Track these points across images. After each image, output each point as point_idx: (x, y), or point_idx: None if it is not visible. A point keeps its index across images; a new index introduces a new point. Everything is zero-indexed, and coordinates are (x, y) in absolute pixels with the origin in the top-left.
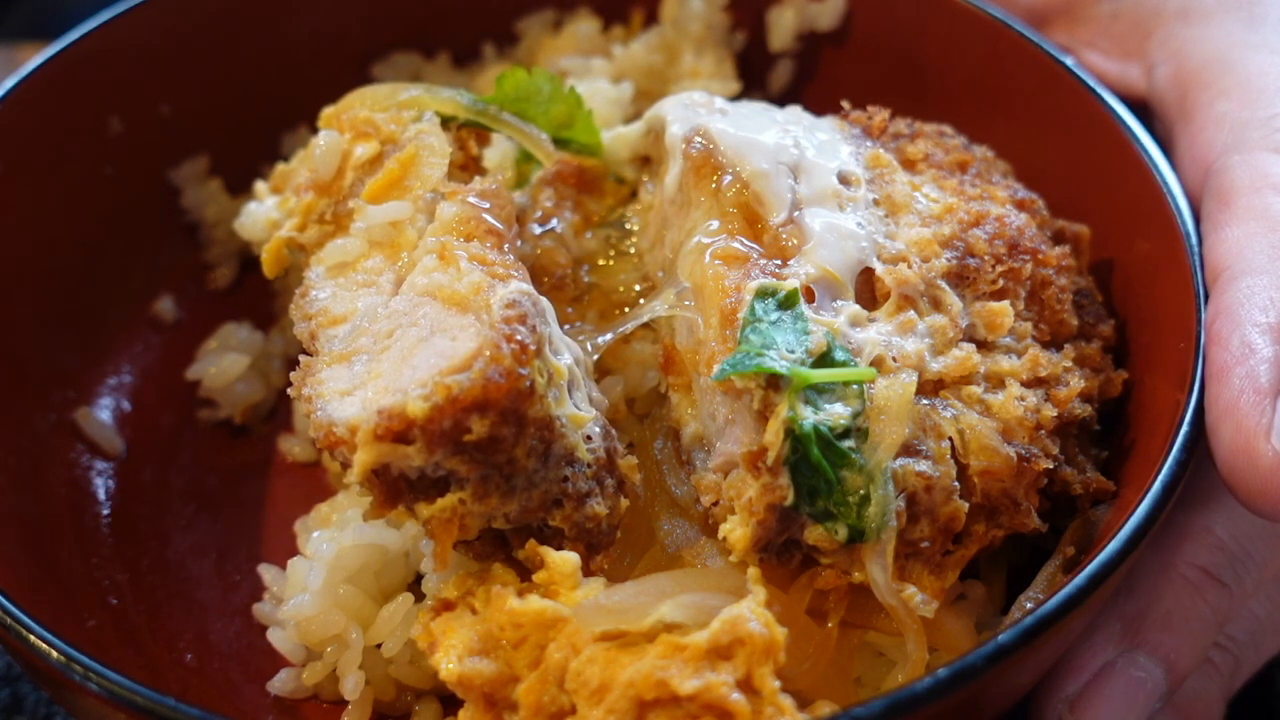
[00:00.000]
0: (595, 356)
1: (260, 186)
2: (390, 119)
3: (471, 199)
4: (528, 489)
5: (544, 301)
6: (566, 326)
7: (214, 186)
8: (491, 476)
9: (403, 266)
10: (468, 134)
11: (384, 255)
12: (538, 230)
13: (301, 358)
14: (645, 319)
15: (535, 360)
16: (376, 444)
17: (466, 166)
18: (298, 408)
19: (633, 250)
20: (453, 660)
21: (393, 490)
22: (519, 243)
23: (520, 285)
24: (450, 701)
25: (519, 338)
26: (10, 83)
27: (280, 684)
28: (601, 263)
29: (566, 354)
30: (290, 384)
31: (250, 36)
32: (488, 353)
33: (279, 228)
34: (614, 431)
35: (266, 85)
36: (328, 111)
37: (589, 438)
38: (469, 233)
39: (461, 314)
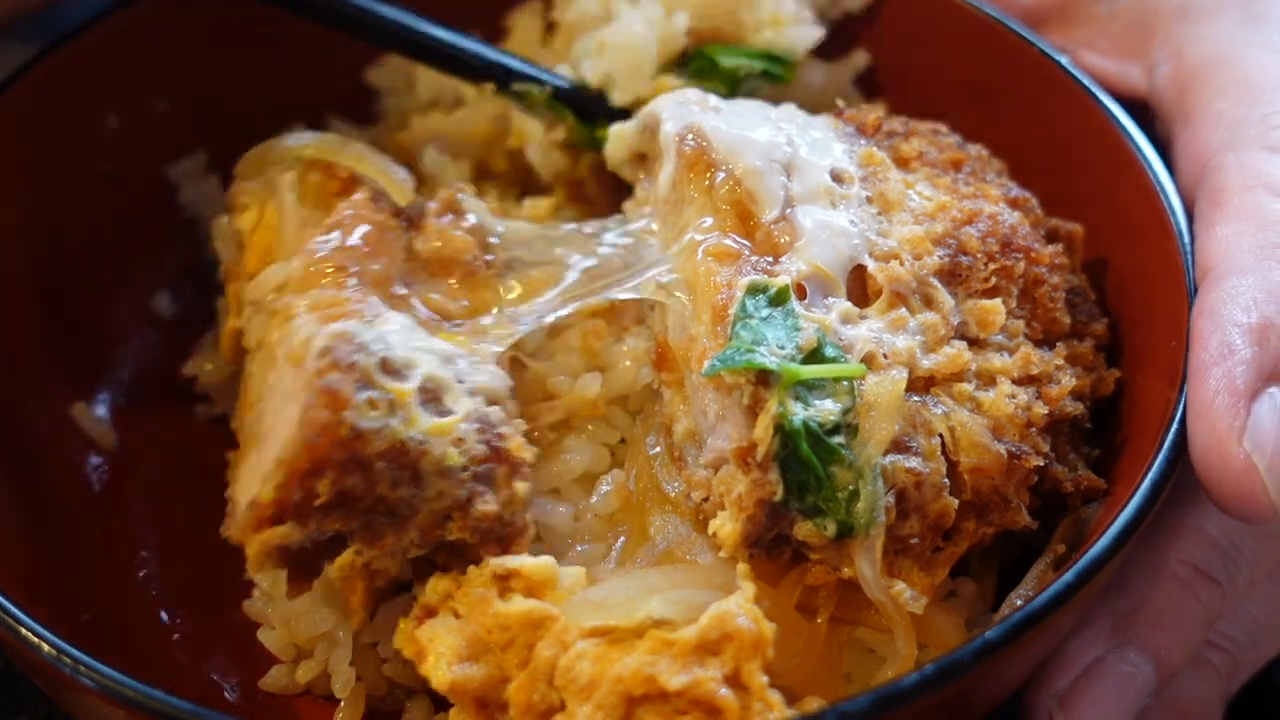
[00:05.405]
0: (524, 329)
1: None
2: (262, 184)
3: (315, 243)
4: (412, 515)
5: (381, 325)
6: (490, 316)
7: (212, 183)
8: (373, 521)
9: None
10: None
11: (278, 327)
12: (444, 222)
13: (230, 454)
14: (599, 300)
15: (358, 396)
16: (255, 536)
17: (344, 191)
18: None
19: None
20: (443, 668)
21: (299, 563)
22: (420, 240)
23: (337, 327)
24: (442, 698)
25: (332, 387)
26: (8, 80)
27: (272, 680)
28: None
29: (421, 365)
30: None
31: (248, 35)
32: (302, 415)
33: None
34: (498, 415)
35: (264, 83)
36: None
37: (460, 440)
38: (312, 281)
39: (297, 375)
